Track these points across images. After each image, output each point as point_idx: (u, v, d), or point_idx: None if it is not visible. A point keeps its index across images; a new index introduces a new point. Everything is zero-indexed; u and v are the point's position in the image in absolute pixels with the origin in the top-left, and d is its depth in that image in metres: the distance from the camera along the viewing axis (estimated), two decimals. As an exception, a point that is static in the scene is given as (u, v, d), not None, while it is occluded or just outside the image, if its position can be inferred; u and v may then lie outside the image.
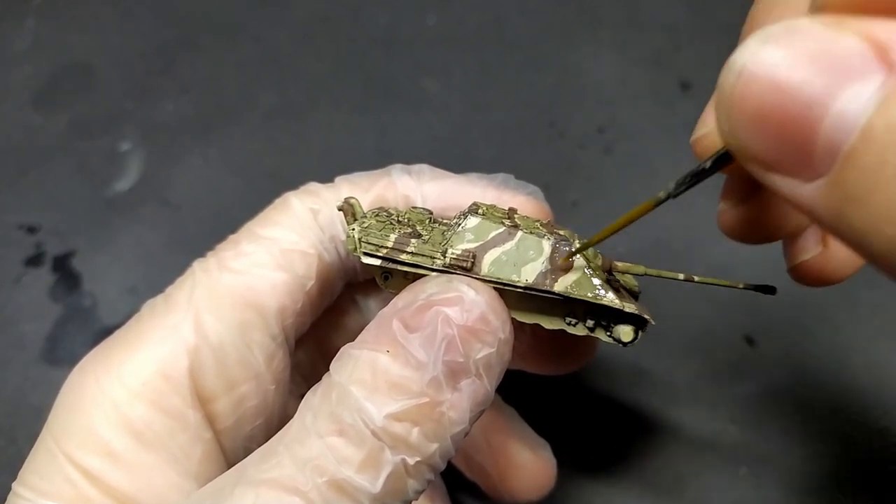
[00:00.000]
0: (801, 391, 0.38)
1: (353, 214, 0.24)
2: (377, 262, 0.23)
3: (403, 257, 0.23)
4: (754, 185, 0.15)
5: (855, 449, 0.36)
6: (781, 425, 0.37)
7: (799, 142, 0.14)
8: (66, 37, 0.54)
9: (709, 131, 0.22)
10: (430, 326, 0.21)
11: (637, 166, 0.46)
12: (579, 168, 0.46)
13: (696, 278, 0.25)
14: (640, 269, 0.25)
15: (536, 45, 0.52)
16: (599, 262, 0.24)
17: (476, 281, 0.22)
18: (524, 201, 0.28)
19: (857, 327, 0.40)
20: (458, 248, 0.23)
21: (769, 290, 0.24)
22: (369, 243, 0.23)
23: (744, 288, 0.25)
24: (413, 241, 0.23)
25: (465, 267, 0.23)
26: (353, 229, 0.24)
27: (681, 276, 0.25)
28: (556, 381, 0.35)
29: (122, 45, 0.53)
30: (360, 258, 0.23)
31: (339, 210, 0.25)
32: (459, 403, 0.21)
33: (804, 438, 0.37)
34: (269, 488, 0.19)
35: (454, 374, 0.21)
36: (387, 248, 0.23)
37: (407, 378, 0.20)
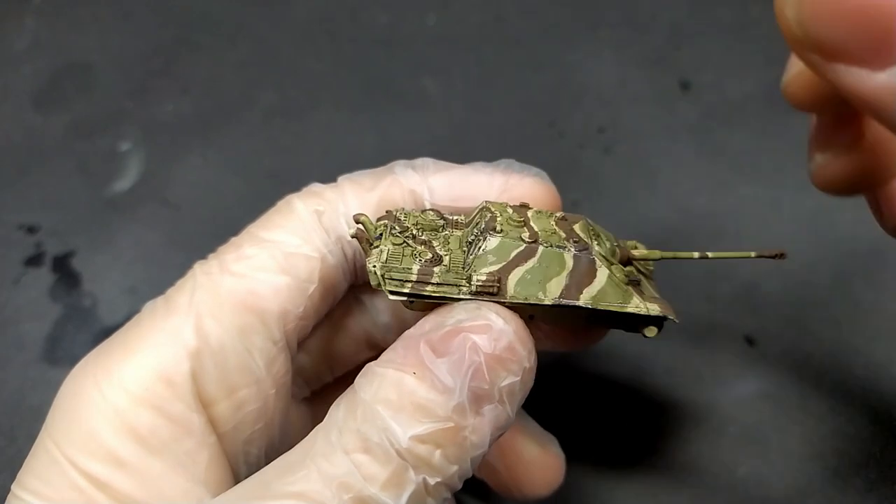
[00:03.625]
0: (801, 391, 0.38)
1: (368, 239, 0.24)
2: (403, 298, 0.23)
3: (429, 289, 0.23)
4: (856, 130, 0.14)
5: (855, 449, 0.36)
6: (781, 425, 0.37)
7: (876, 25, 0.13)
8: (66, 37, 0.54)
9: (801, 69, 0.20)
10: (457, 353, 0.21)
11: (637, 166, 0.46)
12: (579, 168, 0.46)
13: (709, 254, 0.26)
14: (657, 254, 0.26)
15: (536, 45, 0.52)
16: (617, 258, 0.25)
17: (504, 309, 0.23)
18: (531, 184, 0.28)
19: (857, 327, 0.39)
20: (482, 274, 0.23)
21: (780, 256, 0.25)
22: (392, 279, 0.23)
23: (755, 257, 0.25)
24: (436, 269, 0.23)
25: (492, 292, 0.23)
26: (374, 266, 0.23)
27: (696, 255, 0.26)
28: (562, 379, 0.35)
29: (122, 45, 0.53)
30: (386, 295, 0.23)
31: (353, 238, 0.25)
32: (481, 428, 0.21)
33: (804, 438, 0.37)
34: (296, 501, 0.20)
35: (478, 399, 0.21)
36: (411, 281, 0.23)
37: (433, 402, 0.21)
